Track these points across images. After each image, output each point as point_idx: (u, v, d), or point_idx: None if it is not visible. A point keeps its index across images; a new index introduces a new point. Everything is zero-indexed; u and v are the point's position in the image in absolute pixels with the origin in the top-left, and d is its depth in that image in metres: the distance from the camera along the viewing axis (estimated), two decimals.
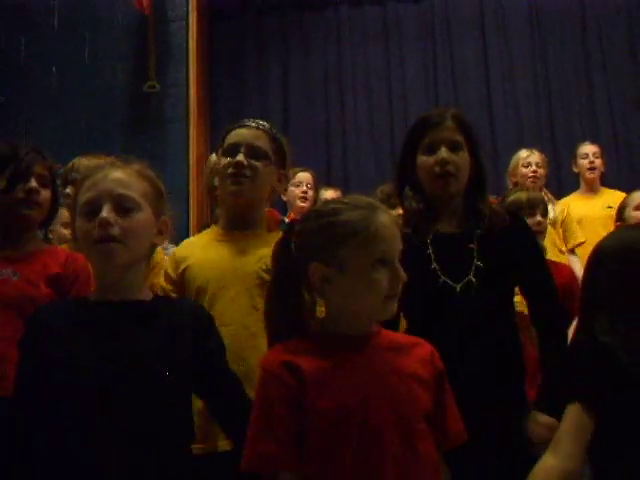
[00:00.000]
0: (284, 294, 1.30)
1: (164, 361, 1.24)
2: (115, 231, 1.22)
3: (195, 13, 4.34)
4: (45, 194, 1.97)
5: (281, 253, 1.34)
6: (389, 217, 1.28)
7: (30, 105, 4.18)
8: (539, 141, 4.12)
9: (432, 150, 1.69)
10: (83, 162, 2.36)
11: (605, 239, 1.52)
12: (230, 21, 4.93)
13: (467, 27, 4.72)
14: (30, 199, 1.96)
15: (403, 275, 1.23)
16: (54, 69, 4.26)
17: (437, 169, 1.66)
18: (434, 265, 1.60)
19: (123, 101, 4.25)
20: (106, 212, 1.22)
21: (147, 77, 4.17)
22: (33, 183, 1.99)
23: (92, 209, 1.23)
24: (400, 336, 1.40)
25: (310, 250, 1.26)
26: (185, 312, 1.36)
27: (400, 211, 1.86)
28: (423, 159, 1.71)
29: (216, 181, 1.81)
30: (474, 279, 1.57)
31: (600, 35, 4.56)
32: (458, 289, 1.57)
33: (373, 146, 4.50)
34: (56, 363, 1.22)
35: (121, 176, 1.29)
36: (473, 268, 1.59)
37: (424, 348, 1.26)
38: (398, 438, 1.15)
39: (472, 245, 1.64)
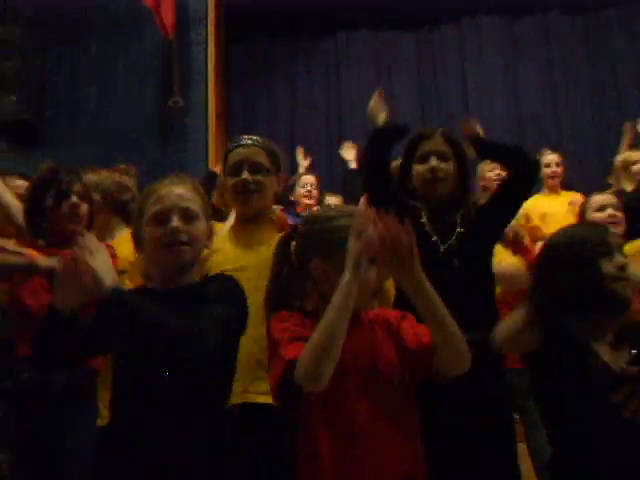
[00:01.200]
0: (280, 280, 1.50)
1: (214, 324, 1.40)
2: (183, 237, 1.44)
3: (213, 38, 4.86)
4: (84, 207, 2.29)
5: (282, 248, 1.54)
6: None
7: (68, 117, 4.65)
8: None
9: (424, 160, 1.98)
10: (89, 177, 2.55)
11: (555, 234, 1.73)
12: (244, 45, 5.51)
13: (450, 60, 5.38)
14: (73, 212, 2.29)
15: (387, 275, 1.43)
16: (93, 87, 4.75)
17: (428, 175, 1.96)
18: (427, 228, 1.93)
19: (151, 115, 4.70)
20: (175, 222, 1.44)
21: (172, 94, 4.64)
22: (74, 199, 2.33)
23: (161, 219, 1.44)
24: (391, 312, 1.56)
25: (312, 248, 1.46)
26: (222, 283, 1.53)
27: None
28: (417, 168, 2.00)
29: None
30: (455, 242, 1.89)
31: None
32: (442, 250, 1.89)
33: None
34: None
35: (183, 191, 1.50)
36: (455, 234, 1.93)
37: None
38: (375, 397, 1.35)
39: (457, 220, 1.95)
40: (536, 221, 3.61)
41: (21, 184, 2.93)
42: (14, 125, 4.66)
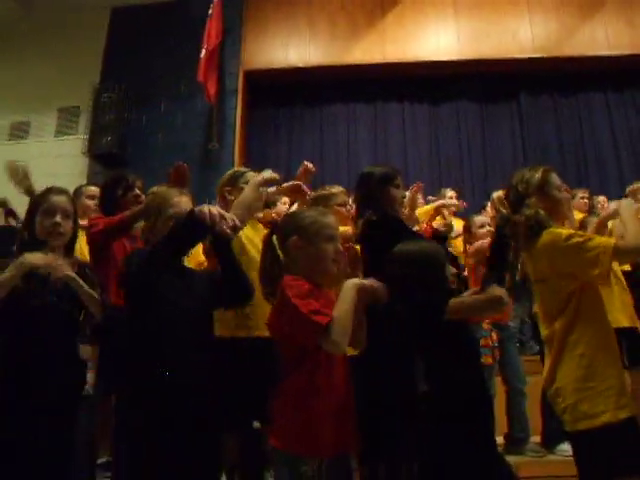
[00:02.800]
0: (267, 261, 1.93)
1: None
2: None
3: (240, 105, 6.70)
4: (143, 198, 2.76)
5: (268, 239, 1.96)
6: (334, 218, 1.95)
7: (143, 154, 6.21)
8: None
9: (399, 187, 2.57)
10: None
11: (404, 244, 2.13)
12: (260, 111, 7.26)
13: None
14: (136, 201, 2.78)
15: (341, 248, 1.86)
16: (159, 135, 6.43)
17: (401, 198, 2.60)
18: None
19: (198, 154, 6.29)
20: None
21: (211, 140, 6.37)
22: (137, 191, 2.85)
23: None
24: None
25: (291, 230, 1.85)
26: None
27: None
28: (395, 191, 2.56)
29: None
30: None
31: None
32: None
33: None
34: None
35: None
36: None
37: None
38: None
39: None
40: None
41: (95, 189, 3.56)
42: (108, 156, 6.33)
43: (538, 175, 2.18)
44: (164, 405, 1.80)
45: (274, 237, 1.96)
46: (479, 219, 3.75)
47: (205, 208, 1.75)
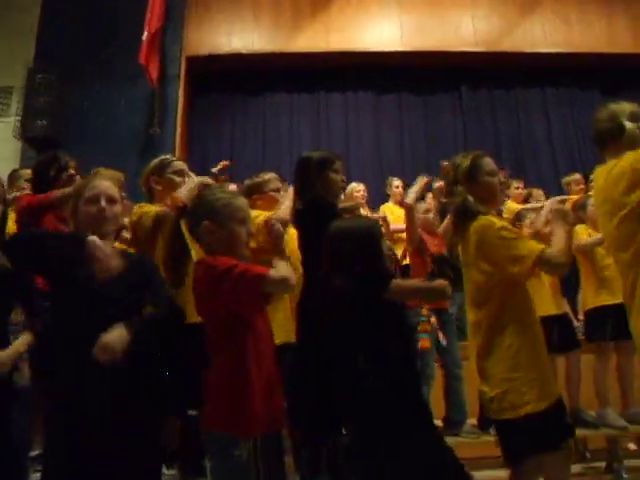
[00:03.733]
0: (175, 247, 2.02)
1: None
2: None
3: (182, 90, 6.57)
4: (78, 179, 2.77)
5: (175, 224, 2.08)
6: (244, 201, 1.96)
7: (81, 137, 5.95)
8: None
9: (337, 172, 2.54)
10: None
11: (342, 221, 2.14)
12: (205, 94, 7.11)
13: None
14: (71, 182, 2.76)
15: (253, 232, 1.89)
16: (101, 118, 6.20)
17: (341, 182, 2.58)
18: None
19: (138, 138, 6.16)
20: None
21: (152, 125, 6.23)
22: (71, 171, 2.86)
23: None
24: None
25: (202, 214, 1.84)
26: None
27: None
28: (333, 176, 2.53)
29: None
30: None
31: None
32: None
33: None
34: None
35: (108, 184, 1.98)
36: None
37: None
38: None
39: None
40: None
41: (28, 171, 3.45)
42: (43, 140, 6.00)
43: (467, 162, 2.19)
44: (78, 393, 1.73)
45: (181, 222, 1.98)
46: (422, 206, 3.80)
47: (98, 243, 1.72)
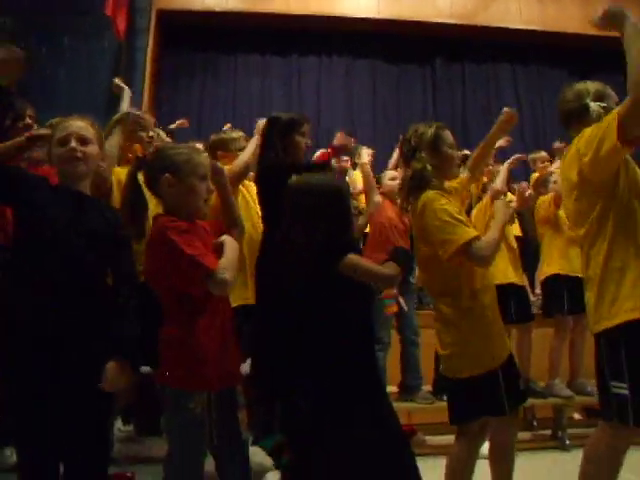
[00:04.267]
0: (132, 199, 1.92)
1: None
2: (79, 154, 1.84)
3: (151, 43, 6.41)
4: (35, 127, 2.60)
5: (132, 175, 1.95)
6: (206, 157, 1.95)
7: (43, 88, 5.64)
8: None
9: (304, 135, 2.59)
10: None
11: (307, 176, 2.00)
12: (174, 50, 6.98)
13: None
14: (28, 130, 2.51)
15: (212, 189, 1.87)
16: (65, 72, 5.99)
17: (304, 146, 2.60)
18: None
19: (103, 96, 5.56)
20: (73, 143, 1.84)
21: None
22: (28, 120, 2.72)
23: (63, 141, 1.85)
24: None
25: (162, 168, 1.81)
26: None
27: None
28: (299, 139, 2.57)
29: None
30: None
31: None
32: None
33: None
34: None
35: (82, 124, 1.90)
36: None
37: None
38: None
39: None
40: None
41: None
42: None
43: (432, 130, 2.19)
44: (33, 328, 1.71)
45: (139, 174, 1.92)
46: (390, 172, 3.82)
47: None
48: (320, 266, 1.79)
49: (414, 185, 2.13)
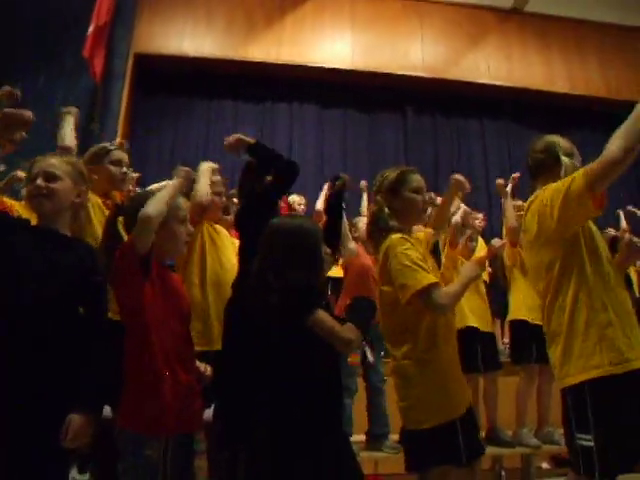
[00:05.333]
0: (109, 243, 1.88)
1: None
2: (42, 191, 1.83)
3: (127, 88, 6.42)
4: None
5: (111, 220, 1.96)
6: (184, 199, 1.97)
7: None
8: None
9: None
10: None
11: (283, 218, 2.11)
12: (150, 93, 6.98)
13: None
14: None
15: (191, 230, 1.95)
16: (34, 110, 5.97)
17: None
18: None
19: (78, 135, 6.00)
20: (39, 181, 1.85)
21: (93, 120, 6.04)
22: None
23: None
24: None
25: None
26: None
27: None
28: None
29: None
30: None
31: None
32: None
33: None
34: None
35: (53, 161, 1.90)
36: None
37: None
38: None
39: None
40: None
41: None
42: None
43: (394, 174, 2.21)
44: None
45: (119, 219, 1.92)
46: (365, 218, 3.86)
47: None
48: (291, 317, 1.78)
49: (373, 229, 2.14)
